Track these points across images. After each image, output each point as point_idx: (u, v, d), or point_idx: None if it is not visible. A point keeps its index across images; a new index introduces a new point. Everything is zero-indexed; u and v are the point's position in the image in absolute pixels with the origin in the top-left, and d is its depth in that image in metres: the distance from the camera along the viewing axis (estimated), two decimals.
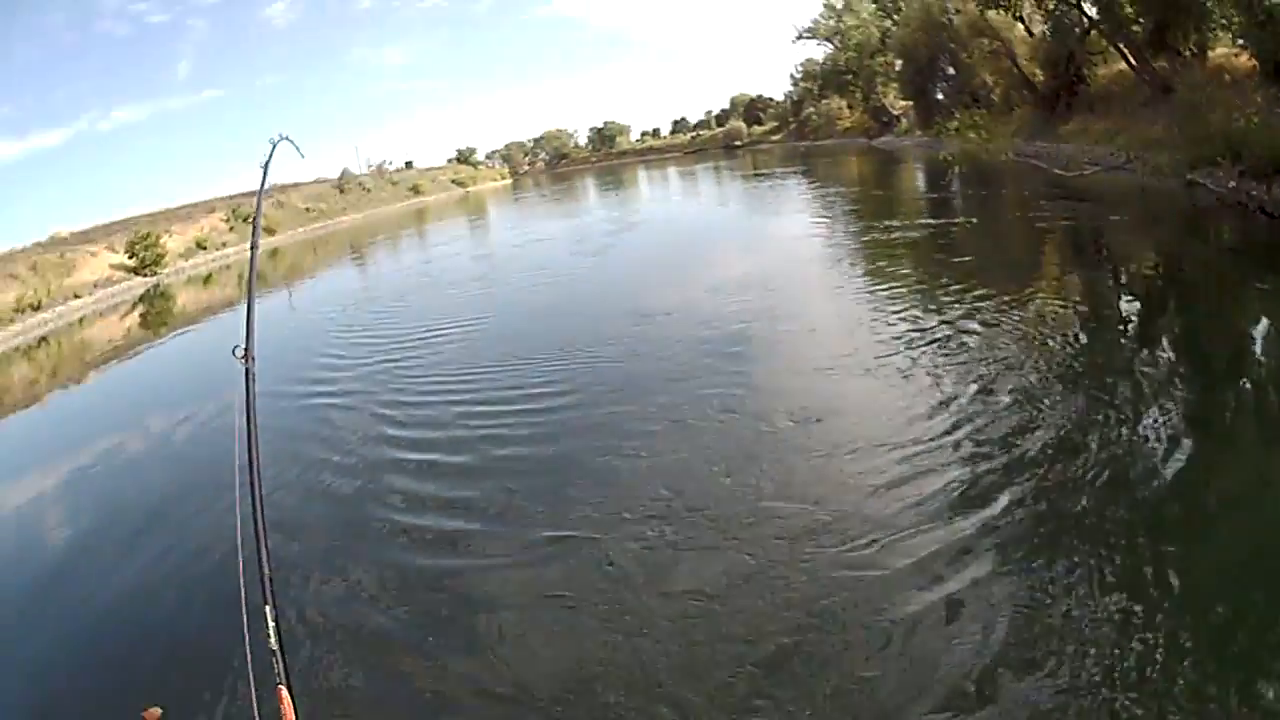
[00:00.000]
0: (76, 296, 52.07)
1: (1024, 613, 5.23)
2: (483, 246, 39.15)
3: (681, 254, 23.84)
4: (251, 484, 2.79)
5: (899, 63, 47.47)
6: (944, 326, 11.06)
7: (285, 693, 2.38)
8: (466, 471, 9.50)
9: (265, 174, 4.90)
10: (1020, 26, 33.52)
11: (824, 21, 57.77)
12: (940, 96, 42.22)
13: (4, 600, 9.71)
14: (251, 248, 4.38)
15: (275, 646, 2.46)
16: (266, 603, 2.54)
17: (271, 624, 2.49)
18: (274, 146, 4.97)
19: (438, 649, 6.53)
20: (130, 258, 59.29)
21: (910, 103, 48.05)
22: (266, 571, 2.63)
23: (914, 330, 11.13)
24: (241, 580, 2.64)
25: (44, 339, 42.43)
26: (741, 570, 6.29)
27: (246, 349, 3.52)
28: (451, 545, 8.06)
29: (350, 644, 6.81)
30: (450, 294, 23.76)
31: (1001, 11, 32.85)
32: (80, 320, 46.98)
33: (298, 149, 5.69)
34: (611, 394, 10.90)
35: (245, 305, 3.80)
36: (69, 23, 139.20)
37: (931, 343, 10.44)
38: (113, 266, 57.44)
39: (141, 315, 42.75)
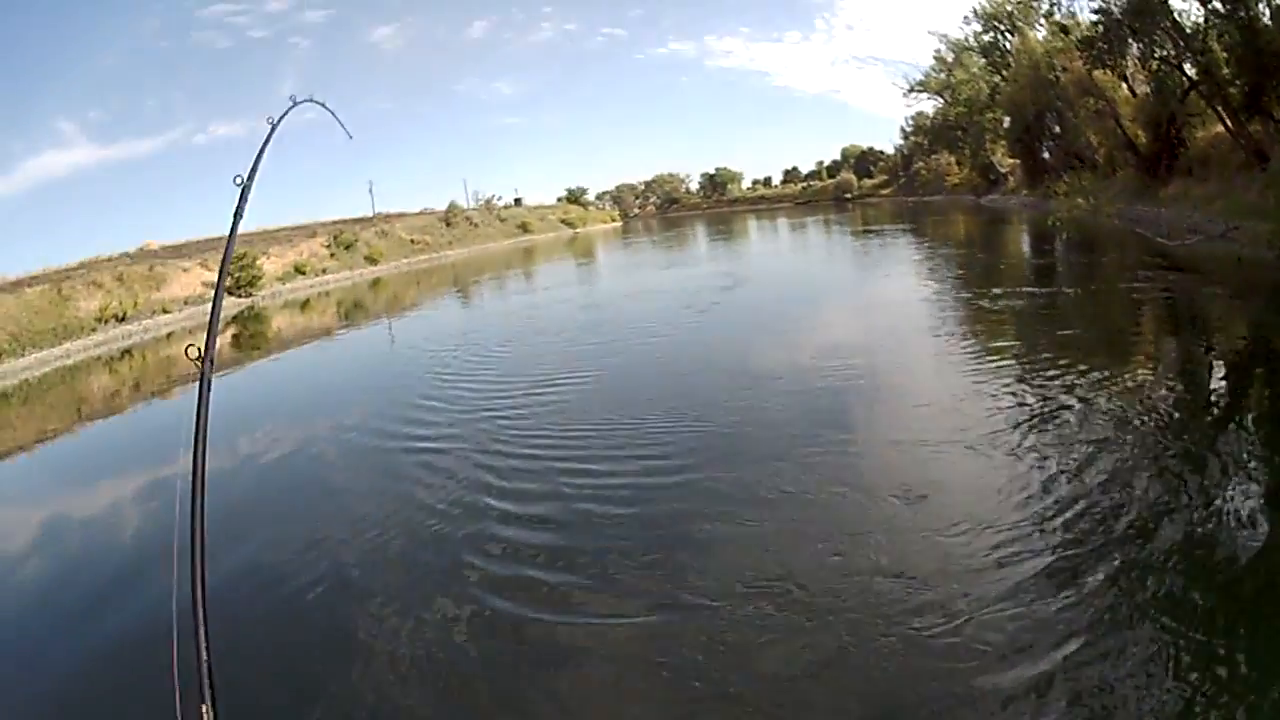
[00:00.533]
0: (165, 311, 52.77)
1: (1108, 692, 5.45)
2: (591, 294, 38.90)
3: (791, 314, 23.83)
4: (193, 522, 2.60)
5: (1007, 119, 47.56)
6: (1043, 402, 11.23)
7: (206, 709, 2.25)
8: (564, 526, 9.71)
9: (272, 131, 4.26)
10: (1125, 87, 33.43)
11: (934, 75, 57.91)
12: (1046, 155, 42.04)
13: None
14: (231, 231, 3.83)
15: (204, 657, 2.32)
16: (203, 702, 2.33)
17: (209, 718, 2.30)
18: (292, 105, 4.51)
19: (520, 696, 6.79)
20: None
21: (1017, 160, 47.81)
22: (205, 659, 2.39)
23: (1015, 405, 11.29)
24: (175, 670, 2.37)
25: (128, 351, 43.13)
26: (837, 648, 6.45)
27: (205, 350, 3.32)
28: (543, 598, 8.24)
29: (432, 682, 7.12)
30: (556, 343, 23.73)
31: (1107, 71, 33.00)
32: (168, 336, 47.48)
33: (335, 117, 5.31)
34: (716, 459, 11.00)
35: (212, 303, 3.53)
36: (164, 30, 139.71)
37: (1032, 418, 10.59)
38: (205, 284, 57.00)
39: (234, 336, 42.60)
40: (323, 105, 4.85)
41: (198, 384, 3.06)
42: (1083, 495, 8.26)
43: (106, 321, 48.64)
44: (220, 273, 3.73)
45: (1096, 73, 33.89)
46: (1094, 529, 7.60)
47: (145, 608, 8.86)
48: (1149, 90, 31.61)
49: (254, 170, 3.82)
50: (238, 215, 3.77)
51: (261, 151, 4.00)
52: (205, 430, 2.85)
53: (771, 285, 32.29)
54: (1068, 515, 7.87)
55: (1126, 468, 8.86)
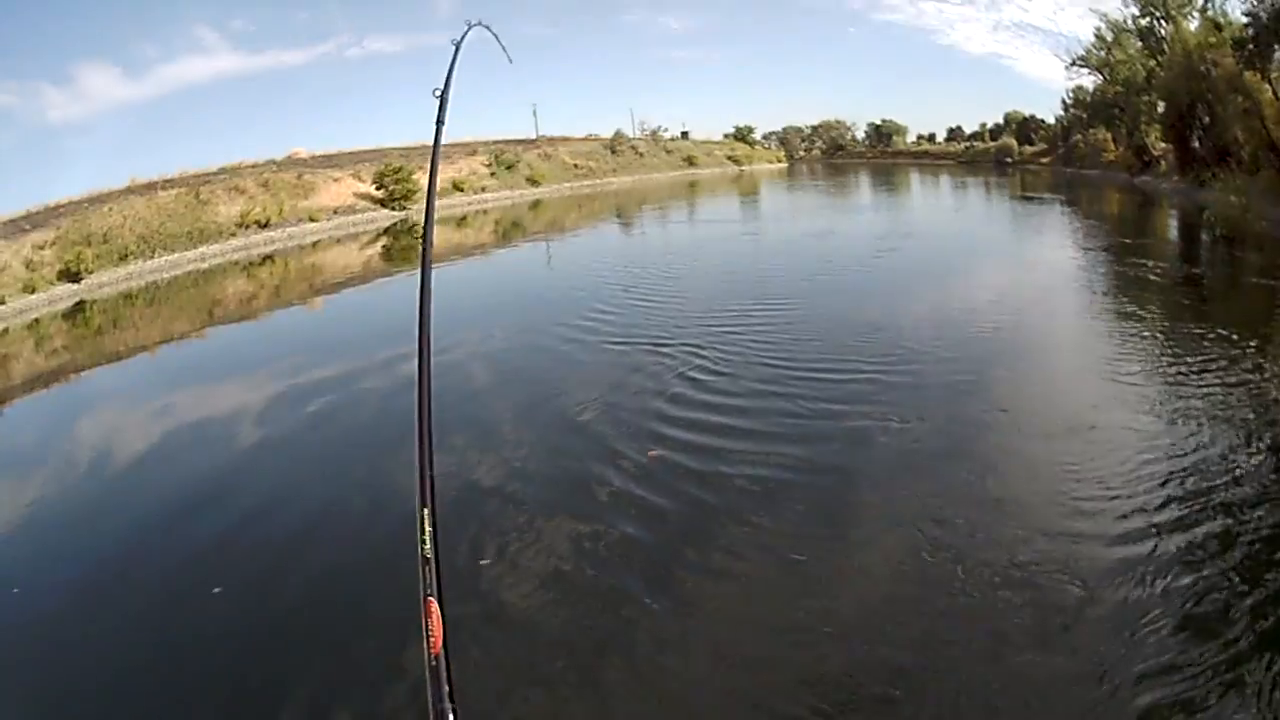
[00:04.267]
0: (312, 220, 52.23)
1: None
2: (760, 236, 38.76)
3: (953, 274, 23.97)
4: (420, 375, 2.62)
5: (1161, 104, 47.09)
6: (1179, 404, 11.33)
7: (435, 604, 2.23)
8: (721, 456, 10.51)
9: (456, 52, 4.32)
10: (1270, 90, 33.64)
11: (1095, 52, 57.44)
12: (1197, 145, 42.16)
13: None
14: (435, 139, 3.86)
15: (430, 554, 2.31)
16: (425, 505, 2.35)
17: (429, 529, 2.34)
18: (469, 29, 4.55)
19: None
20: (378, 189, 57.13)
21: (1170, 145, 47.85)
22: (429, 472, 2.42)
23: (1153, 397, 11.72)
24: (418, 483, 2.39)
25: (269, 257, 43.20)
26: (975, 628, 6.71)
27: (426, 220, 3.38)
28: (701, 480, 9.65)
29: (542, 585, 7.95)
30: (719, 280, 24.53)
31: (1256, 72, 33.67)
32: (314, 244, 47.24)
33: (500, 41, 5.50)
34: (886, 418, 11.51)
35: (426, 199, 3.51)
36: None
37: (1174, 413, 10.91)
38: (357, 195, 56.63)
39: (384, 248, 42.56)
40: (488, 29, 5.06)
41: (421, 247, 3.15)
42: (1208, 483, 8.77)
43: (248, 227, 48.41)
44: (430, 176, 3.70)
45: (1246, 72, 34.21)
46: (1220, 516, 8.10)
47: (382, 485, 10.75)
48: None
49: (448, 83, 3.98)
50: (439, 124, 3.85)
51: (451, 69, 4.11)
52: (429, 304, 2.83)
53: (938, 243, 32.83)
54: (1196, 500, 8.40)
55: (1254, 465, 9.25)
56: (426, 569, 2.28)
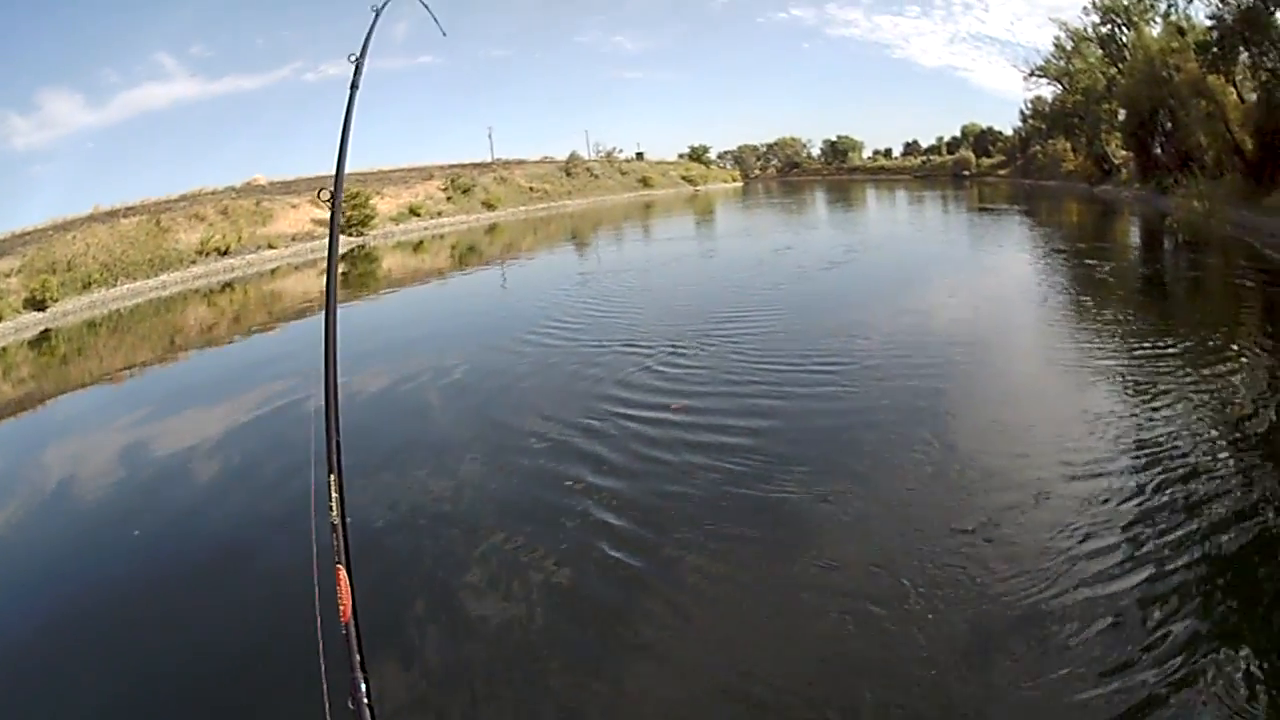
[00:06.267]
0: (271, 247, 52.15)
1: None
2: (712, 253, 38.66)
3: (913, 289, 22.84)
4: (326, 345, 2.58)
5: (1122, 112, 47.07)
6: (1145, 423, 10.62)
7: (343, 572, 2.25)
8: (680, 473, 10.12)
9: (376, 18, 4.27)
10: (1234, 92, 33.23)
11: (1054, 62, 56.96)
12: (1159, 151, 41.77)
13: None
14: (346, 110, 3.68)
15: (337, 521, 2.30)
16: (332, 472, 2.36)
17: (334, 495, 2.33)
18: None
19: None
20: None
21: (1130, 154, 47.48)
22: (335, 438, 2.43)
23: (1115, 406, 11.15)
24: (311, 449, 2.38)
25: (229, 285, 42.81)
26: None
27: (335, 194, 3.34)
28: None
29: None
30: (674, 300, 23.85)
31: (1219, 75, 33.07)
32: (272, 271, 47.02)
33: (430, 11, 5.34)
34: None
35: (331, 202, 3.45)
36: None
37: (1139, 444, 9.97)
38: (314, 221, 55.72)
39: (342, 274, 40.37)
40: (425, 4, 4.94)
41: (329, 221, 3.04)
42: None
43: (208, 254, 48.18)
44: (339, 158, 3.59)
45: (1210, 76, 33.75)
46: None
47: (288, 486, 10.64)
48: (1257, 98, 31.58)
49: (364, 49, 3.91)
50: (354, 89, 3.79)
51: (369, 35, 4.06)
52: (336, 269, 2.78)
53: (891, 258, 31.79)
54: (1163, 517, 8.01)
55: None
56: (335, 536, 2.33)
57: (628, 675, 6.56)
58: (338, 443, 2.44)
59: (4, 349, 31.43)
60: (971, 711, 5.70)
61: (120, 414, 18.81)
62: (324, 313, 2.69)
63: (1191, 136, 37.19)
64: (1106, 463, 9.18)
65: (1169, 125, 40.44)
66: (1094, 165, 55.42)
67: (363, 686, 2.08)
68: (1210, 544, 7.35)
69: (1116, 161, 52.56)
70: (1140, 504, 8.18)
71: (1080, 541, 7.51)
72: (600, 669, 6.66)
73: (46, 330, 34.77)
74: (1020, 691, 5.74)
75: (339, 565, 2.22)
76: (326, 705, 2.13)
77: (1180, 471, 8.87)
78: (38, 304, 37.21)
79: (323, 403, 2.52)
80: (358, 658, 2.07)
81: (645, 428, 11.91)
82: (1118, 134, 50.16)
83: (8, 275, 38.56)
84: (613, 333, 18.92)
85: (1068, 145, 62.13)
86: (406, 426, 14.04)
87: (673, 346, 16.75)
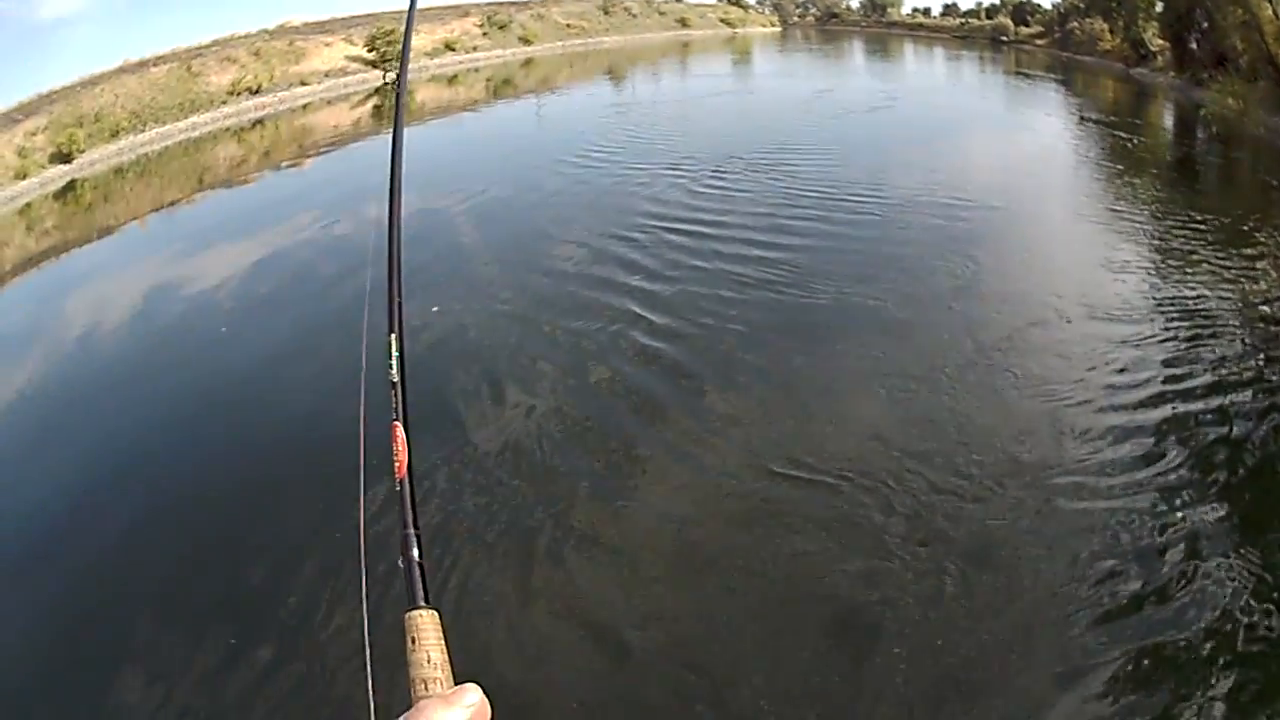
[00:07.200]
0: (303, 84, 52.70)
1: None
2: (752, 91, 40.86)
3: (952, 138, 25.35)
4: (390, 204, 2.33)
5: (1160, 3, 47.54)
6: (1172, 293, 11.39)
7: (400, 428, 1.99)
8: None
9: None
10: (1269, 8, 33.51)
11: None
12: (1194, 47, 42.74)
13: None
14: None
15: (396, 379, 2.09)
16: (392, 331, 2.11)
17: (394, 355, 2.10)
18: None
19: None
20: (369, 51, 57.15)
21: (1167, 43, 48.23)
22: (398, 299, 2.17)
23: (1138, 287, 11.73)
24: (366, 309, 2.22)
25: (259, 122, 44.04)
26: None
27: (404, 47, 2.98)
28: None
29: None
30: (718, 131, 25.63)
31: None
32: (304, 106, 48.14)
33: None
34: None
35: (404, 34, 2.96)
36: None
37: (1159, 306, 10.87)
38: (349, 58, 57.25)
39: (375, 108, 43.25)
40: None
41: (398, 73, 2.81)
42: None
43: (239, 94, 48.55)
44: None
45: None
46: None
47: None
48: None
49: None
50: None
51: None
52: (402, 131, 2.41)
53: (931, 107, 33.85)
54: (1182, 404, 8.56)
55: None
56: (394, 394, 2.10)
57: (704, 443, 7.65)
58: (400, 304, 2.16)
59: (29, 205, 32.41)
60: (989, 479, 6.72)
61: (176, 245, 20.12)
62: (387, 193, 2.25)
63: (1227, 40, 37.75)
64: (1140, 306, 10.01)
65: (1205, 25, 41.13)
66: (1130, 49, 56.06)
67: (415, 546, 1.72)
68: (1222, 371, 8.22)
69: (1153, 49, 53.02)
70: (1165, 340, 9.10)
71: (1107, 353, 8.52)
72: (675, 437, 7.76)
73: (72, 181, 35.72)
74: (1043, 474, 6.75)
75: (395, 422, 1.96)
76: (363, 558, 2.09)
77: (1208, 329, 9.64)
78: (64, 157, 38.02)
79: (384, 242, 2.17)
80: (411, 514, 1.78)
81: (687, 240, 13.70)
82: (1154, 23, 50.80)
83: (33, 134, 38.97)
84: (654, 157, 20.28)
85: (1105, 26, 62.86)
86: (454, 237, 15.45)
87: (714, 170, 18.46)
